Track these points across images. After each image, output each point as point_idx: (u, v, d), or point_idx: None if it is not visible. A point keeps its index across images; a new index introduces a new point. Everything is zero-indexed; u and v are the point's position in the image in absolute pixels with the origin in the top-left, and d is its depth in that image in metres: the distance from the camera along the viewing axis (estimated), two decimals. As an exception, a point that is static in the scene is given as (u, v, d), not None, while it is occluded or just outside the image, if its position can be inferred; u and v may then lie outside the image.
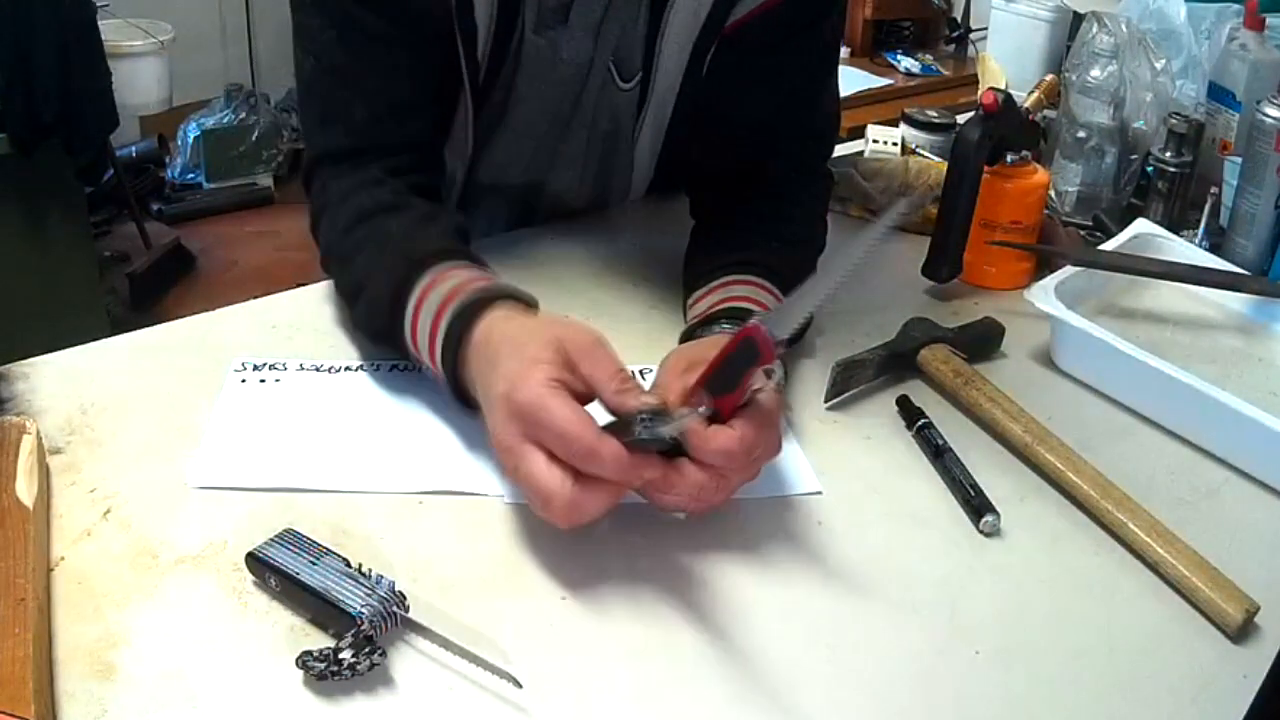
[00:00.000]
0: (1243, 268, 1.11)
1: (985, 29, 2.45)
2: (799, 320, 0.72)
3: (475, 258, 0.84)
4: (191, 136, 3.64)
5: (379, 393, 0.86)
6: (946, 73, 2.98)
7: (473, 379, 0.74)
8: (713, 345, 0.73)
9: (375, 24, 0.89)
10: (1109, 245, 1.11)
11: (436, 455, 0.80)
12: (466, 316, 0.75)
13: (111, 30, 3.10)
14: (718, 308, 0.87)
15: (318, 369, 0.89)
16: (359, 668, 0.62)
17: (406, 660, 0.65)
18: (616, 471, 0.65)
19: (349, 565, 0.67)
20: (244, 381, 0.87)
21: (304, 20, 0.91)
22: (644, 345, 0.95)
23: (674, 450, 0.69)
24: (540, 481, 0.66)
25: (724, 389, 0.68)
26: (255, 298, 0.99)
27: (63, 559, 0.70)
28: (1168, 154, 1.24)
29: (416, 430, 0.83)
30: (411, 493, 0.77)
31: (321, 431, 0.82)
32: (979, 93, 1.09)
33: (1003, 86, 1.12)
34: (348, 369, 0.89)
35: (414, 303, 0.80)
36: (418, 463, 0.79)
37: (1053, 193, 1.27)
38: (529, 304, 0.78)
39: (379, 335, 0.86)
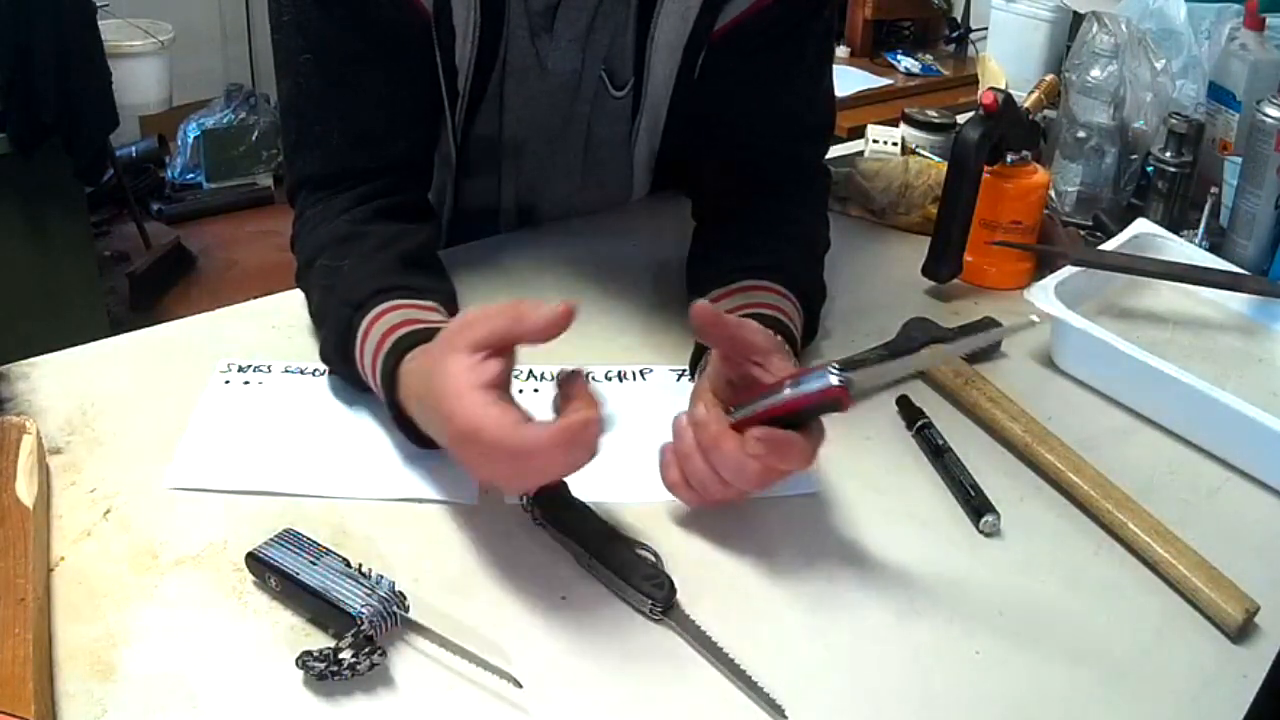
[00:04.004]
0: (1243, 268, 1.11)
1: (985, 29, 2.45)
2: (882, 383, 0.74)
3: (412, 285, 0.83)
4: (191, 136, 3.64)
5: (361, 397, 0.85)
6: (946, 73, 2.98)
7: (421, 423, 0.74)
8: (765, 336, 0.75)
9: (352, 46, 0.88)
10: (1109, 245, 1.11)
11: (413, 462, 0.79)
12: (389, 378, 0.75)
13: (111, 30, 3.11)
14: (742, 312, 0.85)
15: (302, 372, 0.88)
16: (359, 668, 0.62)
17: (406, 660, 0.65)
18: (553, 454, 0.64)
19: (349, 565, 0.67)
20: (227, 383, 0.87)
21: (282, 42, 0.90)
22: (643, 346, 0.95)
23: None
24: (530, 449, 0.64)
25: (788, 426, 0.70)
26: (255, 298, 0.99)
27: (63, 559, 0.70)
28: (1168, 154, 1.23)
29: (394, 437, 0.81)
30: (387, 499, 0.77)
31: (300, 435, 0.82)
32: (979, 93, 1.09)
33: (1003, 86, 1.12)
34: (333, 372, 0.88)
35: (357, 354, 0.80)
36: (395, 469, 0.79)
37: (1053, 193, 1.27)
38: (432, 335, 0.74)
39: (346, 379, 0.86)
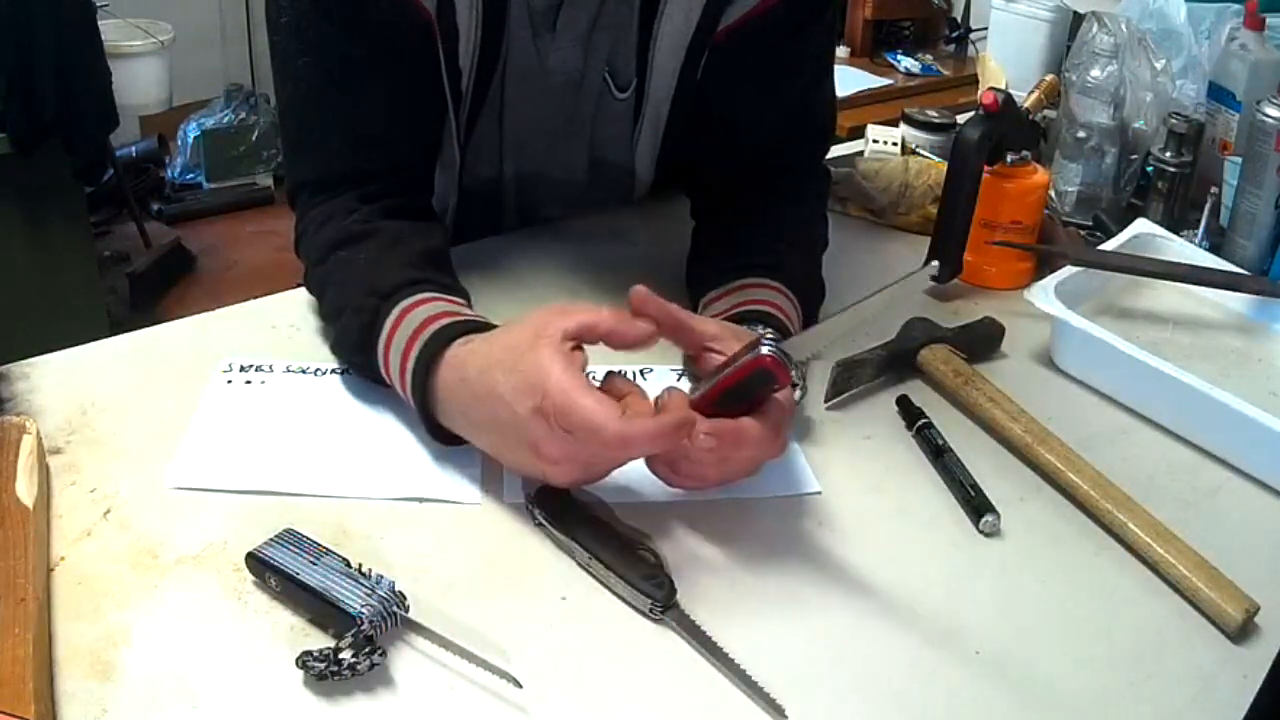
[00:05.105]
0: (1243, 268, 1.11)
1: (985, 29, 2.45)
2: (811, 351, 0.75)
3: (439, 281, 0.83)
4: (191, 136, 3.64)
5: (363, 397, 0.85)
6: (946, 73, 2.98)
7: (455, 414, 0.75)
8: (717, 324, 0.78)
9: (350, 48, 0.88)
10: (1109, 245, 1.11)
11: (414, 462, 0.80)
12: (425, 365, 0.75)
13: (111, 30, 3.11)
14: (740, 309, 0.86)
15: (304, 371, 0.88)
16: (359, 668, 0.62)
17: (406, 660, 0.65)
18: (651, 445, 0.70)
19: (349, 565, 0.67)
20: (229, 382, 0.87)
21: (281, 44, 0.90)
22: (644, 345, 0.95)
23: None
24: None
25: (736, 404, 0.71)
26: (255, 298, 0.99)
27: (63, 559, 0.70)
28: (1168, 154, 1.23)
29: (396, 436, 0.82)
30: (388, 499, 0.76)
31: (302, 435, 0.82)
32: (979, 93, 1.09)
33: (1003, 86, 1.12)
34: (334, 371, 0.88)
35: (382, 343, 0.80)
36: (395, 469, 0.79)
37: (1053, 193, 1.27)
38: (479, 327, 0.77)
39: (357, 370, 0.86)
